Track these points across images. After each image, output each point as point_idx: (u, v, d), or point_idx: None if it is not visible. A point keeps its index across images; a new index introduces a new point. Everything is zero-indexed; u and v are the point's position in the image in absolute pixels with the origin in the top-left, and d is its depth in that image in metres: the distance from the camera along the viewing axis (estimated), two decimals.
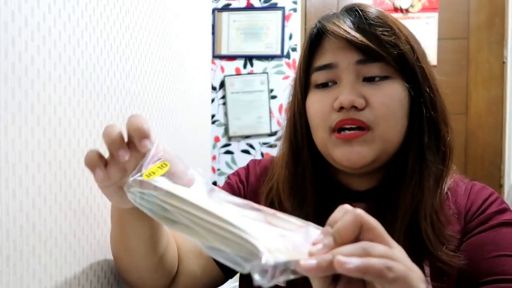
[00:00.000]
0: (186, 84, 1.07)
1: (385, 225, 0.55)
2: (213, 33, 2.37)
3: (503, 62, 2.17)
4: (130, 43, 0.74)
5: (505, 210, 0.57)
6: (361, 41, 0.53)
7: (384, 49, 0.54)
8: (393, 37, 0.55)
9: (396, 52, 0.54)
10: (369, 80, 0.55)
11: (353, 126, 0.54)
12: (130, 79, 0.74)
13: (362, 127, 0.54)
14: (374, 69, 0.55)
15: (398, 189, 0.56)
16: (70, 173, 0.56)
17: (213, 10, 2.38)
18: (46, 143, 0.52)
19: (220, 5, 2.42)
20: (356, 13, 0.56)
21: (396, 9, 2.24)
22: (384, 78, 0.55)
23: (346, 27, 0.55)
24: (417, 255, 0.51)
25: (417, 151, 0.56)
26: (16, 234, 0.47)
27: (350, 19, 0.56)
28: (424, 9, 2.22)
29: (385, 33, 0.55)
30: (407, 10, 2.22)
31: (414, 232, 0.53)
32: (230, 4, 2.42)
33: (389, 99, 0.54)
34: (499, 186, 2.14)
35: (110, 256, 0.66)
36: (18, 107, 0.47)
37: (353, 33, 0.54)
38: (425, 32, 2.19)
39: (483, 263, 0.52)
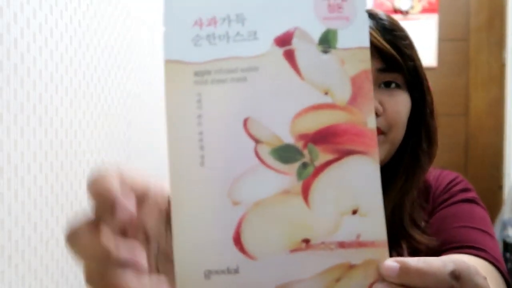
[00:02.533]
0: None
1: None
2: None
3: (503, 64, 2.18)
4: (131, 45, 0.74)
5: (468, 189, 0.62)
6: (388, 51, 0.55)
7: (404, 61, 0.57)
8: (412, 50, 0.58)
9: (412, 65, 0.58)
10: (384, 86, 0.58)
11: None
12: (131, 81, 0.74)
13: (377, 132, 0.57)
14: (389, 78, 0.58)
15: (387, 184, 0.60)
16: (72, 174, 0.57)
17: None
18: (48, 144, 0.52)
19: None
20: (380, 21, 0.58)
21: (395, 11, 2.24)
22: (396, 86, 0.58)
23: (375, 34, 0.56)
24: (395, 235, 0.57)
25: (412, 155, 0.60)
26: (18, 234, 0.47)
27: (376, 26, 0.57)
28: (424, 10, 2.23)
29: (407, 46, 0.58)
30: (407, 12, 2.23)
31: (394, 217, 0.58)
32: None
33: (400, 106, 0.58)
34: (499, 187, 2.14)
35: None
36: (20, 108, 0.47)
37: (383, 41, 0.56)
38: (425, 33, 2.19)
39: (445, 233, 0.57)
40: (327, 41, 0.25)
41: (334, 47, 0.25)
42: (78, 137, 0.58)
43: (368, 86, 0.25)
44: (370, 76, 0.25)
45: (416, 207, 0.59)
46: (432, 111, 0.61)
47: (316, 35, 0.25)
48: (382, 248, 0.24)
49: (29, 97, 0.48)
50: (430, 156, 0.61)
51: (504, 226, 1.72)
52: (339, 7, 0.25)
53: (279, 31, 0.25)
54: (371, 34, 0.55)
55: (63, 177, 0.55)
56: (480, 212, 0.60)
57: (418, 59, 0.59)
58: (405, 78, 0.58)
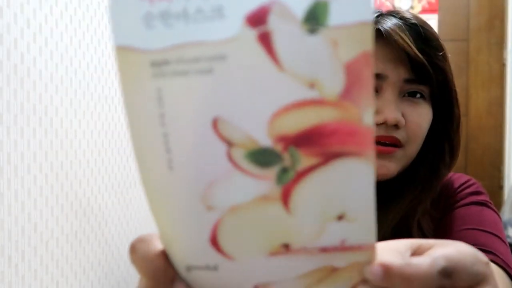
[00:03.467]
0: None
1: None
2: None
3: (503, 64, 2.18)
4: None
5: (479, 192, 0.59)
6: (420, 61, 0.52)
7: (435, 74, 0.53)
8: (445, 63, 0.55)
9: (441, 78, 0.54)
10: (408, 95, 0.54)
11: (386, 142, 0.53)
12: None
13: (396, 144, 0.53)
14: (415, 89, 0.54)
15: (400, 192, 0.57)
16: (72, 174, 0.57)
17: None
18: (47, 144, 0.52)
19: None
20: (414, 27, 0.54)
21: None
22: (421, 96, 0.55)
23: (409, 41, 0.52)
24: None
25: (431, 167, 0.57)
26: (18, 234, 0.47)
27: (409, 32, 0.53)
28: (424, 11, 2.23)
29: (440, 58, 0.54)
30: None
31: (402, 227, 0.55)
32: None
33: (422, 120, 0.55)
34: (499, 188, 2.14)
35: (111, 257, 0.66)
36: (20, 108, 0.47)
37: (416, 50, 0.52)
38: None
39: (453, 235, 0.55)
40: (314, 17, 0.19)
41: (324, 25, 0.19)
42: (78, 137, 0.58)
43: (367, 73, 0.19)
44: (371, 61, 0.20)
45: (426, 217, 0.56)
46: (458, 125, 0.58)
47: (300, 10, 0.19)
48: (369, 251, 0.23)
49: (29, 97, 0.48)
50: (450, 168, 0.58)
51: (504, 226, 1.72)
52: None
53: (252, 5, 0.19)
54: (405, 42, 0.51)
55: (63, 177, 0.55)
56: (490, 215, 0.57)
57: (450, 72, 0.55)
58: (432, 90, 0.54)
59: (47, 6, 0.52)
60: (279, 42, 0.20)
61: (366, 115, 0.20)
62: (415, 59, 0.51)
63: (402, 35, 0.52)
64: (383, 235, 0.54)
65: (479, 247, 0.52)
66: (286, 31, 0.19)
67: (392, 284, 0.24)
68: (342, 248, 0.23)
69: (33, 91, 0.49)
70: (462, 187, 0.60)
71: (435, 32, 0.56)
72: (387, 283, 0.24)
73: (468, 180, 0.61)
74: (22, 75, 0.47)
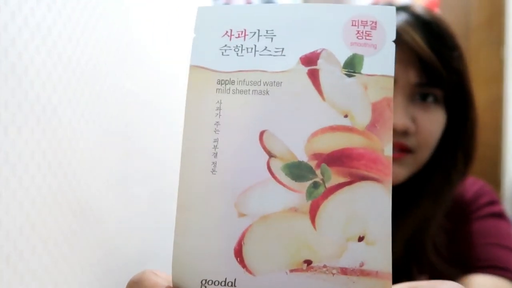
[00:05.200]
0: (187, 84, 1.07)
1: None
2: None
3: (503, 62, 2.17)
4: (130, 43, 0.74)
5: (494, 202, 0.58)
6: (432, 63, 0.48)
7: (449, 76, 0.50)
8: (460, 63, 0.51)
9: (456, 81, 0.51)
10: (419, 98, 0.51)
11: (395, 148, 0.51)
12: (130, 79, 0.74)
13: (405, 150, 0.51)
14: (427, 92, 0.51)
15: (412, 204, 0.54)
16: (70, 173, 0.56)
17: None
18: (46, 143, 0.52)
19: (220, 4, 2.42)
20: (427, 26, 0.50)
21: None
22: (434, 99, 0.52)
23: (420, 41, 0.48)
24: (410, 262, 0.52)
25: (444, 175, 0.55)
26: (17, 234, 0.47)
27: (422, 30, 0.50)
28: None
29: (455, 58, 0.50)
30: None
31: (414, 243, 0.53)
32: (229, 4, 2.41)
33: (434, 125, 0.52)
34: (498, 185, 2.14)
35: (110, 256, 0.66)
36: (18, 106, 0.47)
37: (428, 51, 0.48)
38: None
39: (471, 250, 0.53)
40: (352, 65, 0.26)
41: (359, 72, 0.26)
42: (76, 136, 0.58)
43: (389, 114, 0.25)
44: (391, 104, 0.25)
45: (440, 231, 0.53)
46: (473, 130, 0.54)
47: (342, 59, 0.26)
48: (385, 280, 0.24)
49: (27, 96, 0.48)
50: (464, 177, 0.56)
51: None
52: (368, 35, 0.26)
53: (306, 50, 0.26)
54: (414, 41, 0.47)
55: (61, 176, 0.55)
56: (506, 227, 0.55)
57: (466, 72, 0.51)
58: (446, 92, 0.50)
59: (45, 4, 0.51)
60: (324, 79, 0.26)
61: (387, 148, 0.25)
62: (426, 61, 0.48)
63: (413, 34, 0.49)
64: (394, 251, 0.51)
65: (497, 264, 0.50)
66: (330, 71, 0.26)
67: None
68: (361, 272, 0.24)
69: (31, 90, 0.49)
70: (477, 195, 0.57)
71: (450, 28, 0.52)
72: None
73: (481, 187, 0.59)
74: (20, 74, 0.47)
